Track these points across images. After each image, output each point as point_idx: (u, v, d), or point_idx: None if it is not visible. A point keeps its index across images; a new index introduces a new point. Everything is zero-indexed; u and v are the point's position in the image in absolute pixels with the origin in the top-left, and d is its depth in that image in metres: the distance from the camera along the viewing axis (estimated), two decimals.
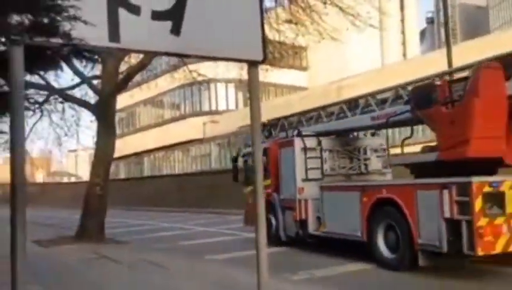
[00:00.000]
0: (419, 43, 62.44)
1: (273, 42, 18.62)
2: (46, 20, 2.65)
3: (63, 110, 21.05)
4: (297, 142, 11.90)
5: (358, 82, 27.20)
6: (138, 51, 8.71)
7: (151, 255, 11.26)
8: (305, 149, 11.88)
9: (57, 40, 3.04)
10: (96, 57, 11.25)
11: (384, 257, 9.03)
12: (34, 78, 16.56)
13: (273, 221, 12.39)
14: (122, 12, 4.01)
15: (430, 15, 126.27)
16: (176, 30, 4.30)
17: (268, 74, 20.20)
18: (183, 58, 14.54)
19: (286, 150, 12.15)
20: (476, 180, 7.56)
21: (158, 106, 46.52)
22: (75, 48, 4.69)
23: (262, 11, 4.57)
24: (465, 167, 7.86)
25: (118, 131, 50.38)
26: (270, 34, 18.02)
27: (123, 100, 35.44)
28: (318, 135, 12.14)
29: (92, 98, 19.34)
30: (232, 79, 32.63)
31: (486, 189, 7.57)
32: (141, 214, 28.94)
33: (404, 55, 52.44)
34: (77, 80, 18.49)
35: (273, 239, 11.59)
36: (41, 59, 5.63)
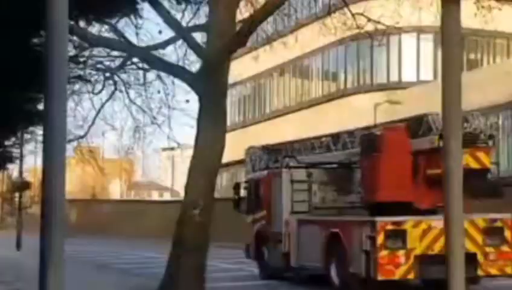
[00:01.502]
0: None
1: None
2: None
3: (145, 82, 22.31)
4: (285, 174, 19.55)
5: None
6: None
7: None
8: (292, 182, 19.38)
9: None
10: None
11: (336, 284, 16.97)
12: (100, 32, 17.81)
13: (266, 254, 20.82)
14: None
15: None
16: None
17: (493, 17, 19.30)
18: None
19: (276, 182, 20.08)
20: (379, 219, 15.48)
21: (302, 76, 47.05)
22: None
23: None
24: (389, 208, 15.73)
25: (238, 117, 52.08)
26: None
27: (245, 67, 36.64)
28: (310, 166, 19.31)
29: (193, 62, 20.16)
30: (427, 27, 31.90)
31: (389, 227, 15.36)
32: None
33: None
34: (169, 33, 19.44)
35: (266, 272, 20.79)
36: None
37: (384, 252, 15.10)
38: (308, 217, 19.23)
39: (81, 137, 24.75)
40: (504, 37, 37.69)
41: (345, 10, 21.32)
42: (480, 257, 15.72)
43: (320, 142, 20.85)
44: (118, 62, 20.86)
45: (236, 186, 23.88)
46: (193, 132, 17.47)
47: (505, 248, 15.93)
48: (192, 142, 17.67)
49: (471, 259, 14.77)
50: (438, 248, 15.07)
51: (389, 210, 15.73)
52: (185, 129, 50.12)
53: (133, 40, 19.42)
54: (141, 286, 17.38)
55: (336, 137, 20.04)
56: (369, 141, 17.09)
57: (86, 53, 16.89)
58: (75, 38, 13.90)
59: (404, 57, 39.84)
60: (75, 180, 66.67)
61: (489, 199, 16.38)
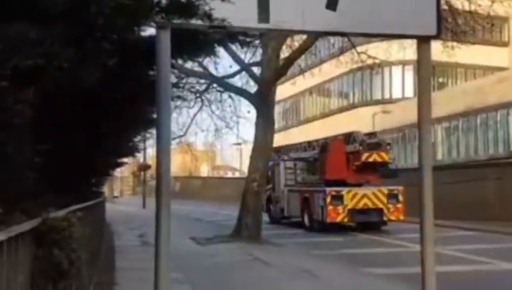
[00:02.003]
0: None
1: (461, 13, 17.32)
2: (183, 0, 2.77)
3: (221, 99, 22.53)
4: (282, 164, 23.59)
5: None
6: (290, 31, 8.80)
7: (306, 262, 11.46)
8: (285, 168, 23.42)
9: (197, 22, 3.17)
10: (256, 41, 11.59)
11: (307, 225, 20.02)
12: (193, 67, 17.94)
13: (272, 209, 24.01)
14: None
15: None
16: (332, 5, 4.23)
17: (455, 53, 18.88)
18: (341, 36, 14.44)
19: (277, 168, 23.66)
20: (328, 189, 18.87)
21: (324, 95, 46.80)
22: (227, 31, 4.91)
23: None
24: (334, 183, 19.22)
25: (282, 123, 52.27)
26: (458, 3, 16.85)
27: (286, 89, 36.46)
28: (295, 159, 23.21)
29: (252, 86, 20.21)
30: (409, 60, 31.42)
31: (333, 193, 18.66)
32: None
33: None
34: (236, 67, 19.53)
35: (272, 220, 23.68)
36: (195, 45, 6.02)
37: (330, 207, 18.52)
38: (293, 188, 22.31)
39: (181, 136, 25.56)
40: (462, 67, 36.83)
41: (352, 50, 21.17)
42: (385, 210, 18.96)
43: (301, 146, 24.01)
44: (204, 86, 21.07)
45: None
46: (252, 132, 17.50)
47: (398, 205, 19.12)
48: (252, 138, 17.71)
49: (380, 211, 19.01)
50: (361, 205, 18.79)
51: (334, 184, 19.05)
52: (247, 130, 50.28)
53: (213, 72, 19.67)
54: (221, 231, 17.51)
55: (309, 143, 23.07)
56: (324, 146, 20.79)
57: (183, 81, 17.01)
58: (176, 71, 14.05)
59: (393, 81, 39.33)
60: (178, 164, 67.47)
61: (390, 178, 19.84)
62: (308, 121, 48.27)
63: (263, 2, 4.07)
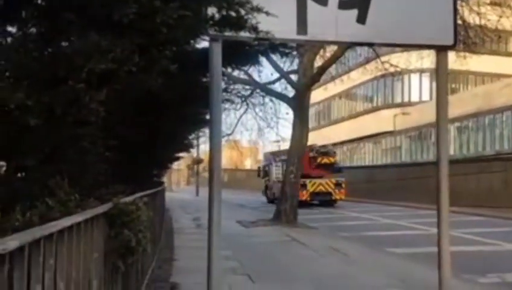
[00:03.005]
0: None
1: (473, 26, 16.82)
2: (233, 14, 2.73)
3: (263, 103, 22.52)
4: (273, 164, 28.55)
5: None
6: (325, 42, 8.67)
7: (336, 242, 11.28)
8: (275, 166, 27.83)
9: (245, 34, 3.13)
10: (294, 52, 11.57)
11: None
12: (239, 74, 17.97)
13: (268, 193, 29.23)
14: (310, 4, 3.94)
15: None
16: (362, 19, 4.11)
17: (467, 62, 18.38)
18: (369, 46, 14.17)
19: (271, 166, 29.06)
20: (302, 181, 20.59)
21: (351, 99, 46.14)
22: (270, 43, 4.87)
23: None
24: (302, 176, 19.60)
25: (315, 123, 51.94)
26: (470, 18, 16.32)
27: (319, 94, 36.16)
28: (283, 160, 23.55)
29: (290, 91, 20.12)
30: (426, 68, 30.65)
31: (301, 183, 19.92)
32: None
33: None
34: (276, 75, 19.45)
35: (267, 200, 28.61)
36: (242, 55, 5.99)
37: (301, 193, 21.50)
38: (279, 180, 23.74)
39: (229, 134, 25.66)
40: (473, 74, 35.75)
41: (377, 60, 20.77)
42: (333, 193, 25.55)
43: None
44: (248, 92, 21.08)
45: (259, 168, 35.38)
46: (290, 131, 17.40)
47: (342, 190, 25.71)
48: (289, 137, 17.61)
49: (330, 194, 25.49)
50: (317, 190, 25.20)
51: (301, 177, 19.41)
52: (285, 130, 50.15)
53: (257, 79, 19.60)
54: (262, 216, 17.51)
55: None
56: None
57: (231, 86, 17.05)
58: (225, 78, 14.11)
59: (412, 86, 38.38)
60: (226, 158, 67.78)
61: (337, 173, 26.41)
62: (337, 121, 47.83)
63: (302, 16, 3.99)
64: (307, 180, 24.44)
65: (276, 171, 27.73)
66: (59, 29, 2.32)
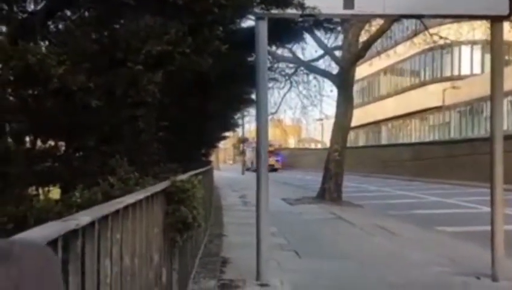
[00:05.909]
0: None
1: None
2: None
3: (307, 81, 22.32)
4: (249, 149, 44.60)
5: None
6: (372, 16, 8.49)
7: (383, 220, 11.16)
8: (251, 150, 40.16)
9: (291, 11, 3.13)
10: (338, 28, 11.32)
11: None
12: (285, 53, 17.87)
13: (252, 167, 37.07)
14: None
15: None
16: None
17: None
18: (417, 19, 13.68)
19: (248, 150, 45.86)
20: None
21: (397, 74, 44.90)
22: (314, 19, 4.81)
23: None
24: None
25: (359, 100, 51.07)
26: None
27: (363, 70, 35.41)
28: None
29: (334, 68, 19.82)
30: (478, 40, 29.35)
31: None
32: (377, 180, 28.88)
33: None
34: (320, 52, 19.20)
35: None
36: (286, 32, 5.96)
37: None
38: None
39: (273, 113, 25.78)
40: None
41: (425, 32, 20.06)
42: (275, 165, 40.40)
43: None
44: (292, 70, 20.91)
45: (242, 151, 46.87)
46: (334, 109, 17.24)
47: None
48: (333, 114, 17.45)
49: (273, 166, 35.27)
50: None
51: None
52: (329, 107, 49.79)
53: (301, 56, 19.43)
54: (307, 193, 17.53)
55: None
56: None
57: (275, 65, 16.99)
58: (269, 57, 14.12)
59: (462, 59, 36.92)
60: (270, 136, 67.70)
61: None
62: (382, 98, 46.69)
63: None
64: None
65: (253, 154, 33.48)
66: (114, 12, 2.41)
